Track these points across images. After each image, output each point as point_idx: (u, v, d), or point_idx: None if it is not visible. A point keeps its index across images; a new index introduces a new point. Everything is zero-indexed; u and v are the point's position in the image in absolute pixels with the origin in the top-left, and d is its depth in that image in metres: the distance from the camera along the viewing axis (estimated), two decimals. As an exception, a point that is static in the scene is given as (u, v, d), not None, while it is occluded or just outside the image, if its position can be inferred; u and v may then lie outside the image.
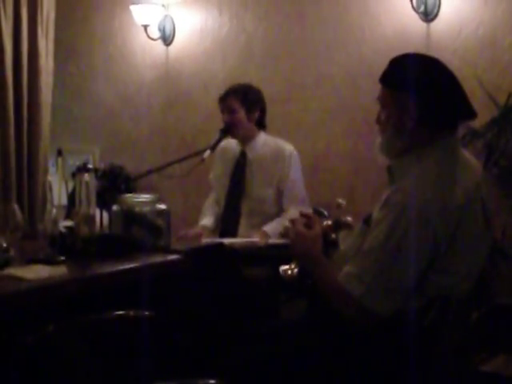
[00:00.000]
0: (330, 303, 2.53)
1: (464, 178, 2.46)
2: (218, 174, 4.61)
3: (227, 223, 4.46)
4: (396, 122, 2.54)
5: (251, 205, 4.40)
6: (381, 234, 2.41)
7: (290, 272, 2.75)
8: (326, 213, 2.84)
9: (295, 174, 4.37)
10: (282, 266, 2.79)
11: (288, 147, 4.42)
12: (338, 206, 2.81)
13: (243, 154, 4.46)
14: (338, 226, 2.77)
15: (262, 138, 4.47)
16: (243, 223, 4.39)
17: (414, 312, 2.41)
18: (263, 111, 4.48)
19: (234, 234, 4.33)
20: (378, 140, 2.63)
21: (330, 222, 2.76)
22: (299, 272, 2.74)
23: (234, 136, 4.44)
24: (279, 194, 4.38)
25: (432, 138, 2.50)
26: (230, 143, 4.54)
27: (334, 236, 2.76)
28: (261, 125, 4.48)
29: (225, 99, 4.41)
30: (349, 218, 2.77)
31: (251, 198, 4.41)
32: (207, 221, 4.55)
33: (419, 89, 2.48)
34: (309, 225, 2.70)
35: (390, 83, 2.57)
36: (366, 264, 2.42)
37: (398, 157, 2.60)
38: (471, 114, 2.57)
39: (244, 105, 4.37)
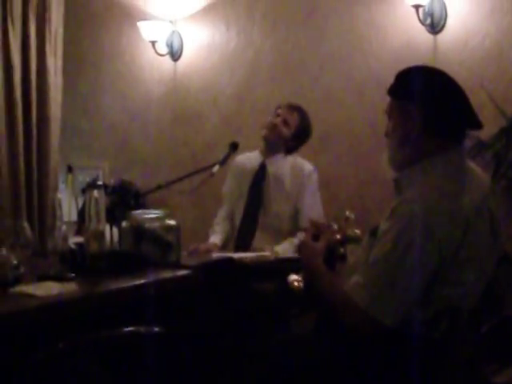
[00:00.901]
0: (332, 313, 2.55)
1: (471, 189, 2.47)
2: (233, 187, 4.62)
3: (244, 234, 4.46)
4: (401, 132, 2.56)
5: (267, 219, 4.42)
6: (387, 245, 2.41)
7: (296, 283, 2.75)
8: (335, 226, 2.83)
9: (313, 194, 4.38)
10: (290, 276, 2.80)
11: (308, 166, 4.45)
12: (347, 219, 2.81)
13: (263, 167, 4.49)
14: (347, 240, 2.77)
15: (283, 155, 4.50)
16: (258, 236, 4.39)
17: (424, 324, 2.42)
18: (301, 144, 4.53)
19: (248, 246, 4.33)
20: (385, 153, 2.65)
21: (338, 236, 2.77)
22: (305, 283, 2.75)
23: (268, 139, 4.47)
24: (296, 211, 4.39)
25: (438, 149, 2.51)
26: (249, 158, 4.58)
27: (342, 250, 2.76)
28: (289, 150, 4.52)
29: (290, 110, 4.45)
30: (357, 231, 2.77)
31: (268, 213, 4.42)
32: (216, 238, 4.54)
33: (423, 97, 2.51)
34: (318, 236, 2.72)
35: (396, 93, 2.61)
36: (372, 274, 2.43)
37: (404, 168, 2.60)
38: (477, 124, 2.58)
39: (296, 129, 4.44)
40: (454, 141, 2.55)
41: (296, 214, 4.38)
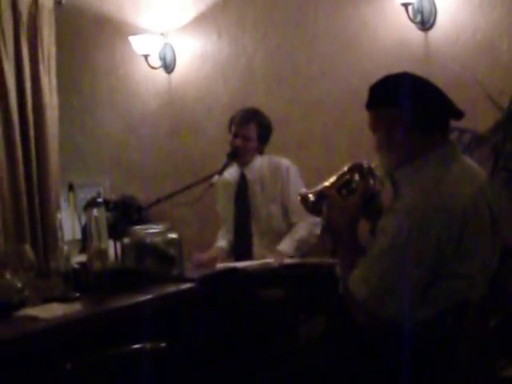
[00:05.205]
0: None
1: (465, 182, 2.51)
2: (223, 204, 4.67)
3: (240, 246, 4.48)
4: (387, 138, 2.61)
5: (260, 224, 4.46)
6: (385, 240, 2.47)
7: (310, 195, 2.81)
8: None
9: (296, 186, 4.33)
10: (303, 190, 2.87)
11: (284, 162, 4.49)
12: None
13: (243, 177, 4.52)
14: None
15: (259, 158, 4.53)
16: (256, 243, 4.42)
17: (430, 323, 2.43)
18: (269, 139, 4.55)
19: (248, 256, 4.34)
20: (379, 168, 2.71)
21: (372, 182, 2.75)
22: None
23: (239, 161, 4.46)
24: (285, 210, 4.41)
25: (429, 146, 2.57)
26: (229, 172, 4.58)
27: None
28: (261, 151, 4.56)
29: (244, 125, 4.44)
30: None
31: (259, 218, 4.46)
32: (222, 243, 4.57)
33: (402, 99, 2.56)
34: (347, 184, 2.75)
35: (375, 104, 2.67)
36: (371, 268, 2.49)
37: (399, 168, 2.62)
38: (457, 113, 2.62)
39: (259, 135, 4.45)
40: (441, 134, 2.60)
41: (286, 212, 4.41)
